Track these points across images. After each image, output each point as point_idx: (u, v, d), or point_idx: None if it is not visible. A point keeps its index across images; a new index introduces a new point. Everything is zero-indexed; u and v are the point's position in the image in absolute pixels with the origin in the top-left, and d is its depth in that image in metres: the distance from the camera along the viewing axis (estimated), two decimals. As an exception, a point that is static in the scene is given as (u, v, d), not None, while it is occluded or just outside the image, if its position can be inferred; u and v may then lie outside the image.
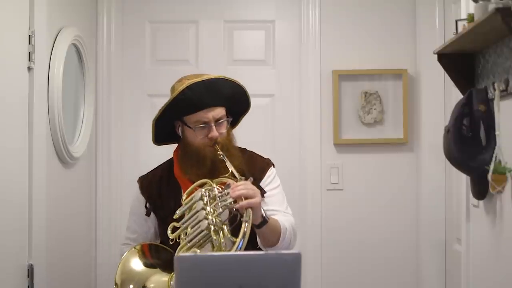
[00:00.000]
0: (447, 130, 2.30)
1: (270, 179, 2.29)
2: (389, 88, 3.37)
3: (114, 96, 3.38)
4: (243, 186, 2.00)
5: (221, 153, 2.12)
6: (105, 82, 3.36)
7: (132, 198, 2.32)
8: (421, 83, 3.31)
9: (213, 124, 2.15)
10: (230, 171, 2.09)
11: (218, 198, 2.02)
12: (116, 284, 2.06)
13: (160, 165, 2.34)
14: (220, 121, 2.18)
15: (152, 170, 2.35)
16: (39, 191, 2.45)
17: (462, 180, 2.61)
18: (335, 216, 3.37)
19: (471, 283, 2.52)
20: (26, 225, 2.37)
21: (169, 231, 2.05)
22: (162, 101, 3.36)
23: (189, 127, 2.17)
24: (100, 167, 3.34)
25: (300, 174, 3.39)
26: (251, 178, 2.08)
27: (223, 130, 2.19)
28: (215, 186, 2.06)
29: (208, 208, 2.00)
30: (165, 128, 2.26)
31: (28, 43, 2.39)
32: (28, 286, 2.37)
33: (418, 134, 3.34)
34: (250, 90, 2.33)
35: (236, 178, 2.06)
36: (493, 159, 2.10)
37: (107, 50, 3.37)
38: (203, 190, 2.05)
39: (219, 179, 2.10)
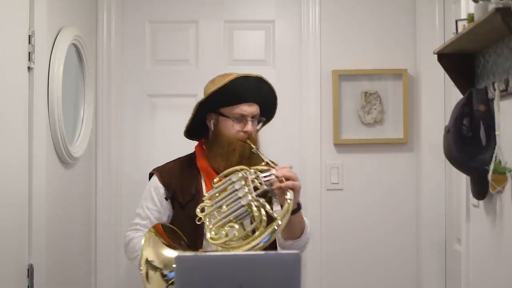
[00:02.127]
0: (447, 130, 2.30)
1: None
2: (389, 88, 3.37)
3: (114, 96, 3.38)
4: (287, 169, 2.13)
5: (254, 147, 2.25)
6: (105, 82, 3.36)
7: (147, 188, 2.40)
8: (421, 83, 3.31)
9: (249, 119, 2.29)
10: (265, 162, 2.19)
11: (258, 178, 2.10)
12: (156, 268, 2.05)
13: (179, 158, 2.46)
14: (255, 118, 2.32)
15: (169, 162, 2.45)
16: (39, 191, 2.44)
17: (462, 180, 2.61)
18: (335, 216, 3.37)
19: (471, 283, 2.52)
20: (26, 225, 2.37)
21: (198, 210, 2.12)
22: (162, 101, 3.43)
23: (227, 117, 2.29)
24: (100, 167, 3.34)
25: (300, 174, 3.34)
26: (292, 165, 2.20)
27: (257, 127, 2.34)
28: (252, 169, 2.15)
29: (248, 187, 2.07)
30: (196, 120, 2.37)
31: (28, 43, 2.39)
32: (28, 286, 2.37)
33: (418, 134, 3.34)
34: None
35: (273, 167, 2.16)
36: (493, 159, 2.11)
37: (107, 50, 3.37)
38: (242, 171, 2.14)
39: (256, 166, 2.19)
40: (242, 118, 2.28)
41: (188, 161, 2.40)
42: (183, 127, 3.42)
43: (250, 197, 2.04)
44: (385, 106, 3.36)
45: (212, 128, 2.34)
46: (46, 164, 2.53)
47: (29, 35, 2.40)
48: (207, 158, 2.33)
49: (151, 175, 2.42)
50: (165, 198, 2.33)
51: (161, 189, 2.34)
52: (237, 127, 2.28)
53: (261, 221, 2.01)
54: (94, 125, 3.26)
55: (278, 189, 2.08)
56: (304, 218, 2.30)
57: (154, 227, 2.15)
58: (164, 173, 2.38)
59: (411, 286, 3.35)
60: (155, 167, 2.44)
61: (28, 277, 2.36)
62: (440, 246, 3.27)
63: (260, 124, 2.37)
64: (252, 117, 2.30)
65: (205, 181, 2.31)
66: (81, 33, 2.97)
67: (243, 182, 2.09)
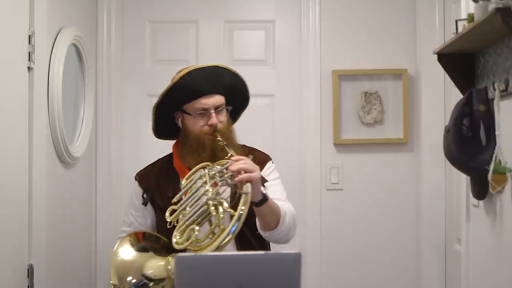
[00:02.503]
0: (447, 130, 2.30)
1: (270, 171, 2.31)
2: (389, 88, 3.37)
3: (114, 96, 3.38)
4: (243, 161, 2.01)
5: (221, 139, 2.14)
6: (105, 82, 3.36)
7: (130, 193, 2.35)
8: (421, 83, 3.31)
9: (212, 111, 2.18)
10: (229, 155, 2.09)
11: (217, 175, 2.02)
12: (113, 284, 2.00)
13: (160, 158, 2.38)
14: (219, 109, 2.20)
15: (150, 164, 2.38)
16: (39, 191, 2.44)
17: (462, 180, 2.61)
18: (335, 216, 3.37)
19: (471, 283, 2.52)
20: (26, 225, 2.37)
21: (167, 214, 2.05)
22: None
23: (189, 114, 2.20)
24: (100, 167, 3.34)
25: (300, 174, 3.39)
26: (251, 156, 2.08)
27: (223, 118, 2.21)
28: (214, 166, 2.08)
29: (207, 186, 1.99)
30: (165, 120, 2.28)
31: (28, 43, 2.39)
32: (28, 286, 2.37)
33: (418, 134, 3.34)
34: (250, 90, 2.34)
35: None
36: (493, 159, 2.10)
37: (107, 50, 3.37)
38: (202, 170, 2.06)
39: (219, 161, 2.10)
40: (204, 112, 2.18)
41: (167, 161, 2.32)
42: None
43: (208, 196, 1.96)
44: (385, 106, 3.36)
45: (181, 126, 2.26)
46: (46, 164, 2.53)
47: (29, 35, 2.39)
48: (180, 158, 2.25)
49: (135, 179, 2.36)
50: (143, 203, 2.26)
51: (140, 194, 2.28)
52: (200, 122, 2.18)
53: (218, 219, 1.93)
54: (94, 125, 3.26)
55: (237, 183, 1.98)
56: (284, 204, 2.20)
57: (133, 234, 2.09)
58: (143, 176, 2.32)
59: (411, 286, 3.35)
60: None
61: (28, 277, 2.36)
62: (440, 246, 3.27)
63: (227, 113, 2.25)
64: (216, 108, 2.19)
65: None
66: (81, 33, 2.97)
67: (204, 180, 2.02)
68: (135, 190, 2.31)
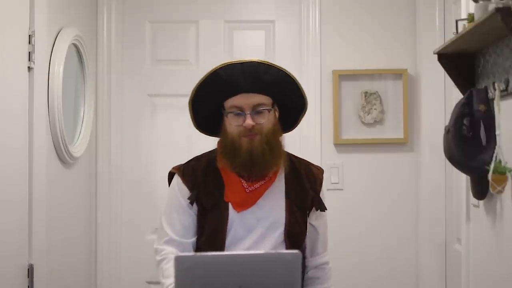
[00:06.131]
0: (447, 130, 2.30)
1: (324, 190, 2.17)
2: (389, 88, 3.37)
3: (114, 96, 3.38)
4: None
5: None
6: (105, 82, 3.36)
7: (171, 192, 2.10)
8: (421, 83, 3.31)
9: (248, 112, 1.98)
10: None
11: None
12: None
13: (203, 154, 2.15)
14: (259, 109, 1.99)
15: (193, 159, 2.14)
16: (39, 191, 2.45)
17: (462, 180, 2.61)
18: (335, 216, 3.36)
19: (471, 283, 2.52)
20: (26, 225, 2.37)
21: None
22: (162, 101, 3.43)
23: (225, 112, 2.02)
24: (100, 167, 3.34)
25: (300, 174, 3.39)
26: None
27: (262, 120, 2.00)
28: None
29: None
30: (211, 116, 2.08)
31: (28, 43, 2.39)
32: (28, 286, 2.37)
33: (418, 134, 3.34)
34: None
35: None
36: (493, 159, 2.10)
37: (107, 50, 3.37)
38: None
39: None
40: (239, 113, 1.98)
41: (213, 159, 2.09)
42: (182, 127, 3.38)
43: None
44: (385, 106, 3.36)
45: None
46: (46, 164, 2.53)
47: (29, 35, 2.40)
48: (220, 157, 2.05)
49: (171, 174, 2.12)
50: (190, 202, 2.04)
51: (185, 192, 2.06)
52: (234, 122, 1.99)
53: None
54: (94, 125, 3.26)
55: None
56: (329, 276, 2.18)
57: None
58: (188, 172, 2.08)
59: (411, 285, 3.35)
60: (174, 165, 2.13)
61: (28, 277, 2.37)
62: (440, 246, 3.27)
63: (274, 115, 2.05)
64: (254, 109, 1.98)
65: (225, 183, 2.05)
66: (81, 33, 2.97)
67: None
68: (179, 188, 2.07)
